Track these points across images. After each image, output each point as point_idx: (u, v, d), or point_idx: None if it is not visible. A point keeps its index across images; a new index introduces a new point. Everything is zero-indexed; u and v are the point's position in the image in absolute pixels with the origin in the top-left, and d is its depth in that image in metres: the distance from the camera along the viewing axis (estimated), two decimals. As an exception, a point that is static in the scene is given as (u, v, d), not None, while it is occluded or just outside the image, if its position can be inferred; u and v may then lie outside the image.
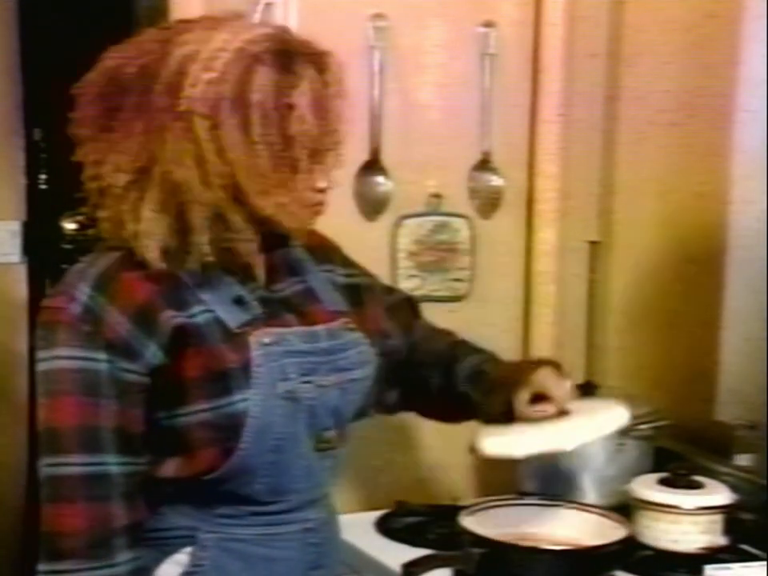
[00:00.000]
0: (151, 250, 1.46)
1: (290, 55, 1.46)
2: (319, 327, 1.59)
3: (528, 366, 1.78)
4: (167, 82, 1.44)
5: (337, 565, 1.68)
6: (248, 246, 1.52)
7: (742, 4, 2.24)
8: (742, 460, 2.20)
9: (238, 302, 1.52)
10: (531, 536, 1.87)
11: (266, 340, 1.51)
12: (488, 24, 2.39)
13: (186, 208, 1.45)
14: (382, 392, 1.77)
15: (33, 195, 2.95)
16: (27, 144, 2.93)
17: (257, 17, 2.10)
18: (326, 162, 1.50)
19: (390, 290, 1.91)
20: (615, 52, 2.46)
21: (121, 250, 1.49)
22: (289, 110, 1.44)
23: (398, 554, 1.94)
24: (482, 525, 1.85)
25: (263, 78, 1.43)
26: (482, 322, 2.43)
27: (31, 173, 2.94)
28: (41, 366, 1.47)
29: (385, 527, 2.18)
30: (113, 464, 1.45)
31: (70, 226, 3.00)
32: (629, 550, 1.92)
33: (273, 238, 1.57)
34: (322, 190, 1.52)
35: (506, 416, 1.73)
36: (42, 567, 1.45)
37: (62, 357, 1.45)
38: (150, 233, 1.46)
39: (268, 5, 2.14)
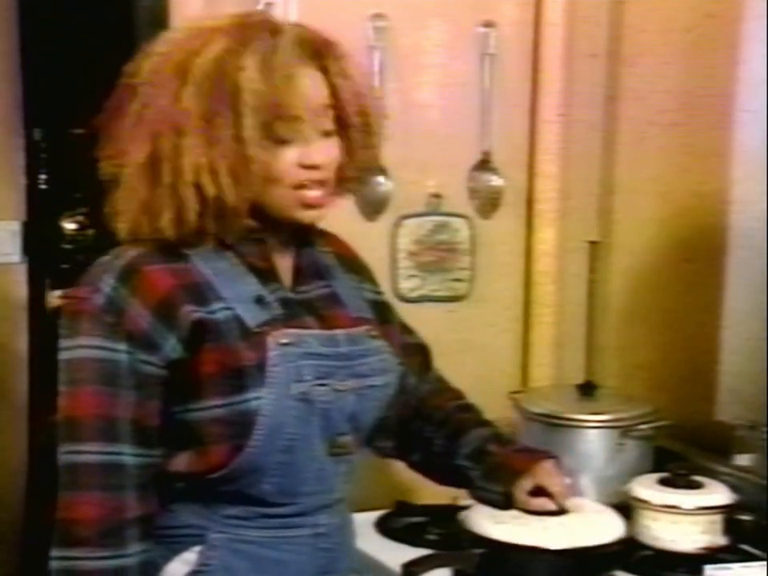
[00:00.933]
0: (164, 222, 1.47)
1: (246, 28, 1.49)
2: (339, 331, 1.59)
3: (531, 456, 1.77)
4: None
5: (348, 571, 1.67)
6: (269, 244, 1.55)
7: (742, 4, 2.24)
8: (742, 460, 2.20)
9: (259, 301, 1.52)
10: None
11: (284, 340, 1.51)
12: (488, 24, 2.39)
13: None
14: (379, 434, 1.74)
15: (33, 195, 2.95)
16: (27, 144, 2.92)
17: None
18: (308, 137, 1.50)
19: (409, 331, 1.87)
20: (615, 52, 2.47)
21: (145, 244, 1.50)
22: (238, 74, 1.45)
23: (398, 554, 1.94)
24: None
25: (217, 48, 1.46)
26: (482, 322, 2.43)
27: (31, 173, 2.93)
28: (63, 355, 1.49)
29: (385, 527, 2.18)
30: (128, 454, 1.47)
31: (69, 225, 3.00)
32: (629, 549, 1.92)
33: (301, 240, 1.60)
34: (309, 167, 1.51)
35: (503, 500, 1.74)
36: (54, 553, 1.47)
37: (84, 346, 1.47)
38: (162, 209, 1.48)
39: (268, 5, 2.14)
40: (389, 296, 1.85)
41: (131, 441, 1.47)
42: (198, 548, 1.54)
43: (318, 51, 1.53)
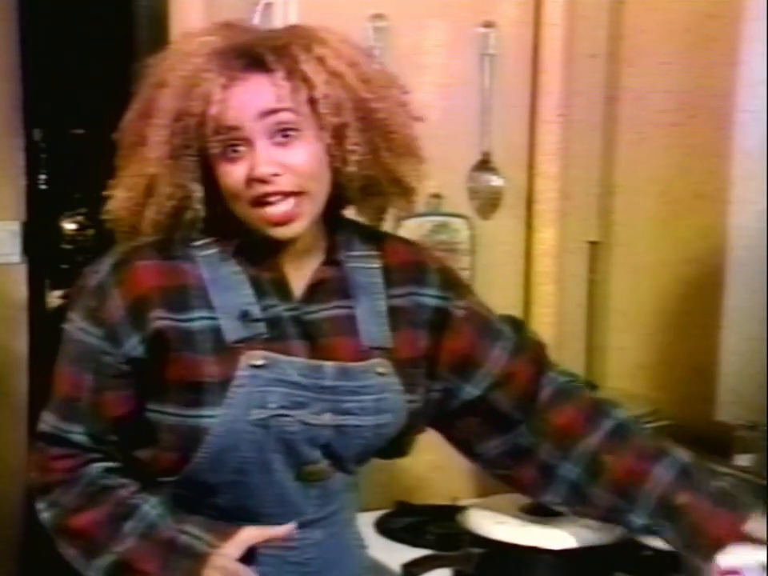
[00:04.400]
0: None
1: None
2: (329, 363, 1.50)
3: (732, 518, 1.56)
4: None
5: None
6: (284, 253, 1.51)
7: (742, 4, 2.24)
8: (742, 460, 2.19)
9: (244, 316, 1.48)
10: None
11: (257, 362, 1.46)
12: (488, 24, 2.39)
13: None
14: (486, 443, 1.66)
15: (33, 195, 2.95)
16: (27, 144, 2.93)
17: (257, 17, 2.10)
18: (255, 149, 1.44)
19: (519, 330, 1.72)
20: (615, 52, 2.46)
21: (156, 237, 1.51)
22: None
23: (398, 554, 1.94)
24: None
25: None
26: (482, 322, 2.42)
27: (31, 173, 2.94)
28: (65, 326, 1.54)
29: (385, 527, 2.18)
30: (78, 433, 1.52)
31: (69, 226, 3.01)
32: (629, 550, 1.92)
33: (330, 251, 1.54)
34: (258, 180, 1.44)
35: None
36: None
37: (72, 320, 1.53)
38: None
39: (267, 5, 2.14)
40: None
41: (84, 422, 1.51)
42: None
43: (257, 53, 1.45)
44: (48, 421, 1.54)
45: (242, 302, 1.48)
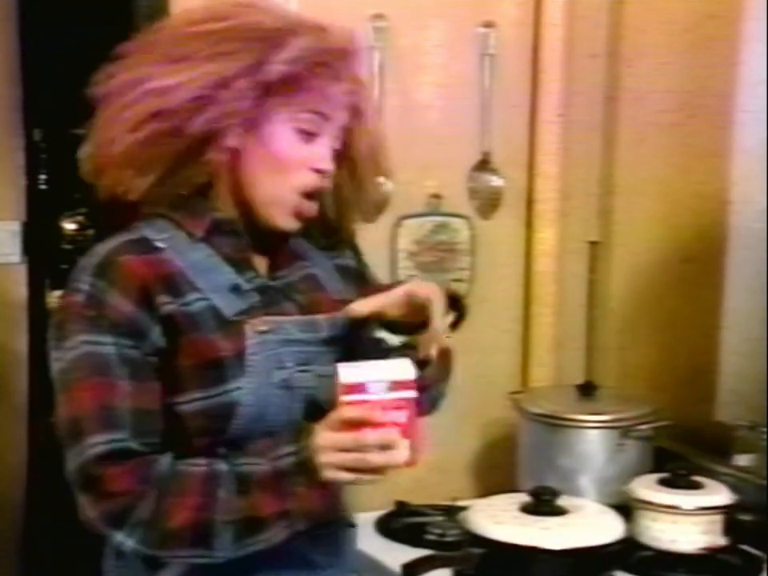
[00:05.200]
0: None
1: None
2: (320, 317, 1.57)
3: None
4: None
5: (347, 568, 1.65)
6: (246, 237, 1.55)
7: (742, 4, 2.24)
8: (742, 460, 2.20)
9: (235, 290, 1.51)
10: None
11: (262, 328, 1.50)
12: (488, 24, 2.39)
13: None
14: None
15: (33, 195, 2.95)
16: (27, 144, 2.93)
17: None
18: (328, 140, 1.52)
19: None
20: (615, 52, 2.46)
21: (118, 239, 1.50)
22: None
23: (398, 554, 1.94)
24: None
25: None
26: (482, 322, 2.42)
27: (31, 173, 2.94)
28: (55, 366, 1.48)
29: (385, 527, 2.18)
30: (132, 441, 1.43)
31: (69, 226, 3.00)
32: (628, 550, 1.92)
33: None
34: (316, 170, 1.52)
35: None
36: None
37: (71, 348, 1.45)
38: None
39: (268, 5, 2.14)
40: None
41: (133, 430, 1.44)
42: None
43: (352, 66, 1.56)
44: (95, 442, 1.42)
45: (227, 278, 1.52)
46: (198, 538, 1.42)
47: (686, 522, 1.95)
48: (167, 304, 1.47)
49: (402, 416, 1.38)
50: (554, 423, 2.21)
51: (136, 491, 1.41)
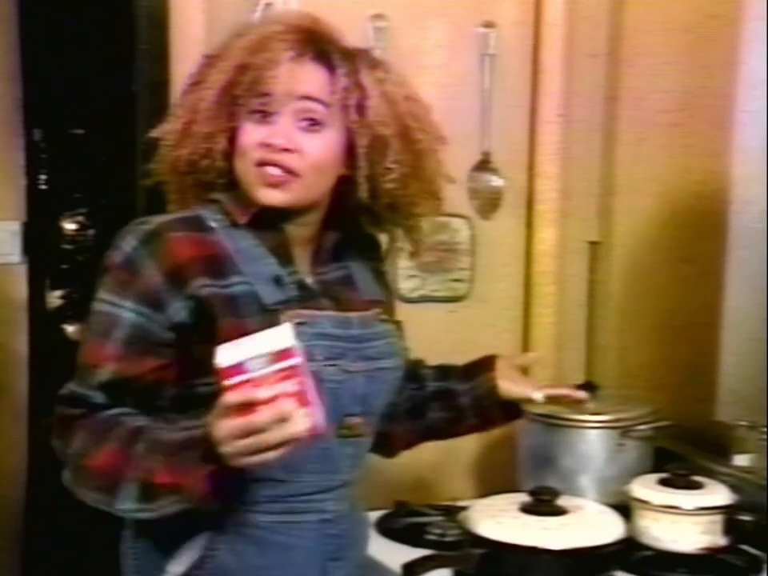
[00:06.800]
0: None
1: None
2: (353, 314, 1.64)
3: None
4: None
5: (358, 559, 1.71)
6: (289, 233, 1.61)
7: (742, 4, 2.24)
8: (742, 460, 2.20)
9: (276, 281, 1.58)
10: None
11: (298, 320, 1.54)
12: (488, 24, 2.39)
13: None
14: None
15: (33, 195, 2.94)
16: (27, 144, 2.92)
17: (256, 17, 2.10)
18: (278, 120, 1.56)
19: None
20: (615, 52, 2.46)
21: (174, 214, 1.60)
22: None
23: (398, 554, 1.94)
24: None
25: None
26: (482, 322, 2.43)
27: (31, 173, 2.93)
28: (92, 306, 1.57)
29: (385, 527, 2.18)
30: (99, 395, 1.52)
31: (69, 226, 3.00)
32: (628, 550, 1.92)
33: (328, 222, 1.66)
34: (268, 145, 1.56)
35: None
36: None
37: (98, 299, 1.55)
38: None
39: (268, 5, 2.14)
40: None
41: (104, 389, 1.52)
42: (206, 533, 1.56)
43: (326, 49, 1.60)
44: (67, 386, 1.56)
45: (270, 269, 1.59)
46: (106, 483, 1.48)
47: (686, 522, 1.95)
48: (206, 287, 1.52)
49: (291, 385, 1.34)
50: (553, 423, 2.21)
51: (76, 432, 1.51)
